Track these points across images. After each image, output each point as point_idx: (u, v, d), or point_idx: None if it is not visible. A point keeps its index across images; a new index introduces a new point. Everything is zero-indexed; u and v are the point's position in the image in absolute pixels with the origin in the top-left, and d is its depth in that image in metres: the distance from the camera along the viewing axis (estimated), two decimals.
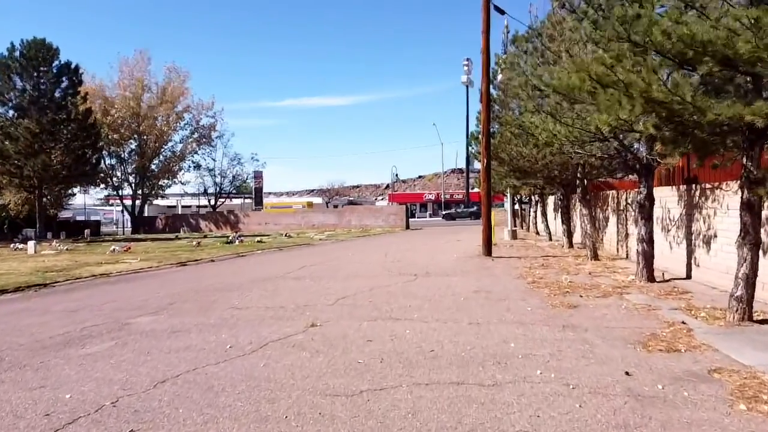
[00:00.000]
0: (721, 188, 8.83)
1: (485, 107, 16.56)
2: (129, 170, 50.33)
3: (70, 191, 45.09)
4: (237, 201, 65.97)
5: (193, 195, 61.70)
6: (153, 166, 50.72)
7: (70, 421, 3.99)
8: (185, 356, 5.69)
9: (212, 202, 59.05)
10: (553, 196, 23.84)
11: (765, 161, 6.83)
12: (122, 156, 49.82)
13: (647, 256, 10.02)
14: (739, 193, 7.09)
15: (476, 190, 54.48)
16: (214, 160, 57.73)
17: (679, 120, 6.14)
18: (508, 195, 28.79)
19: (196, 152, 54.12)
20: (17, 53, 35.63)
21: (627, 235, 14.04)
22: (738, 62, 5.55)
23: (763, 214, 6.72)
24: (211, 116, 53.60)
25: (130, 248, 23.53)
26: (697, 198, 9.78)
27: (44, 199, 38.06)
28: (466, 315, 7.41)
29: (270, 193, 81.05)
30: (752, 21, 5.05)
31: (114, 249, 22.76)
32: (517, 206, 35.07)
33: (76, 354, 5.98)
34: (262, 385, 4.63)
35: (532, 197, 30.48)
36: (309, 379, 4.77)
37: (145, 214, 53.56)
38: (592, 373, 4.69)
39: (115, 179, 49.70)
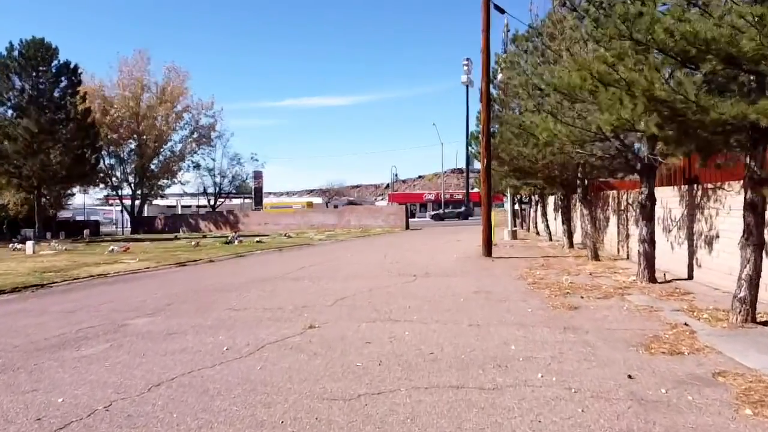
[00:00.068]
0: (724, 188, 8.75)
1: (485, 107, 16.48)
2: (128, 170, 50.23)
3: (69, 191, 45.04)
4: (237, 201, 65.92)
5: (193, 195, 61.61)
6: (152, 166, 50.61)
7: (62, 426, 3.91)
8: (181, 358, 5.61)
9: (212, 202, 58.97)
10: (554, 197, 23.77)
11: None
12: (121, 156, 49.74)
13: (649, 257, 9.94)
14: (742, 193, 7.01)
15: (476, 190, 54.40)
16: (213, 160, 57.73)
17: (681, 119, 6.06)
18: (508, 195, 28.72)
19: (195, 152, 54.08)
20: (16, 53, 35.56)
21: (628, 236, 13.96)
22: (742, 60, 5.48)
23: (767, 214, 6.63)
24: (210, 116, 53.59)
25: (128, 248, 23.45)
26: (698, 198, 9.70)
27: (43, 199, 38.00)
28: (466, 316, 7.33)
29: (270, 193, 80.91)
30: (757, 18, 4.97)
31: (112, 249, 22.68)
32: (517, 206, 35.00)
33: (71, 356, 5.90)
34: (259, 389, 4.54)
35: (532, 197, 30.41)
36: (306, 382, 4.69)
37: (145, 214, 53.50)
38: (594, 377, 4.61)
39: (114, 179, 49.62)
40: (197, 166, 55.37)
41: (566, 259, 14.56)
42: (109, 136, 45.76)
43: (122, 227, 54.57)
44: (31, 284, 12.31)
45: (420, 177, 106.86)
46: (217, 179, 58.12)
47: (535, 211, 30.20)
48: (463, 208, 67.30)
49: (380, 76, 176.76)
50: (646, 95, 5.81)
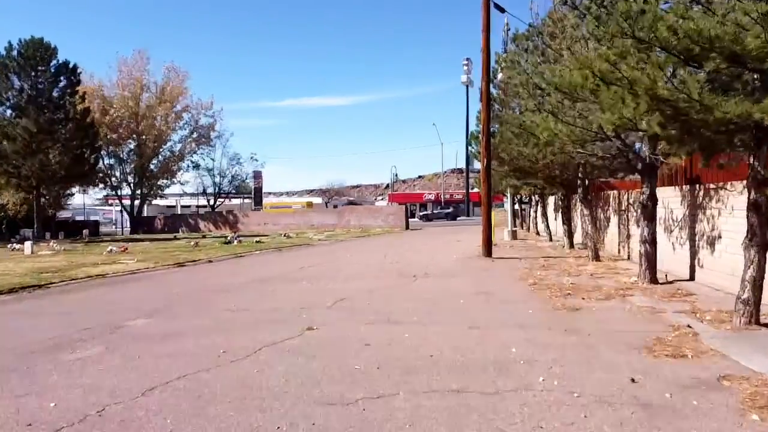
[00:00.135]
0: (726, 188, 8.67)
1: (485, 106, 16.40)
2: (128, 170, 50.09)
3: (68, 191, 44.89)
4: (236, 201, 65.78)
5: (192, 195, 61.47)
6: (152, 166, 50.44)
7: None
8: (177, 361, 5.52)
9: (211, 202, 58.86)
10: (554, 197, 23.68)
11: None
12: (121, 156, 49.58)
13: (650, 258, 9.86)
14: (745, 193, 6.93)
15: (476, 190, 54.32)
16: (213, 160, 57.57)
17: (684, 118, 5.97)
18: (509, 195, 28.63)
19: (195, 152, 53.89)
20: (15, 52, 35.42)
21: (629, 236, 13.88)
22: (746, 58, 5.40)
23: None
24: (210, 116, 53.38)
25: (127, 249, 23.36)
26: (700, 198, 9.62)
27: (42, 199, 37.87)
28: (466, 318, 7.24)
29: (270, 193, 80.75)
30: (761, 15, 4.88)
31: (111, 249, 22.59)
32: (517, 206, 34.91)
33: (65, 359, 5.82)
34: (255, 394, 4.46)
35: (533, 197, 30.31)
36: (303, 386, 4.60)
37: (144, 214, 53.36)
38: (597, 381, 4.52)
39: (113, 179, 49.47)
40: (197, 166, 55.32)
41: (567, 260, 14.47)
42: (108, 136, 45.62)
43: (122, 227, 54.44)
44: (28, 285, 12.21)
45: (420, 177, 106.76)
46: (217, 179, 58.04)
47: (535, 211, 30.12)
48: (450, 209, 67.81)
49: (380, 76, 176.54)
50: (648, 94, 5.73)
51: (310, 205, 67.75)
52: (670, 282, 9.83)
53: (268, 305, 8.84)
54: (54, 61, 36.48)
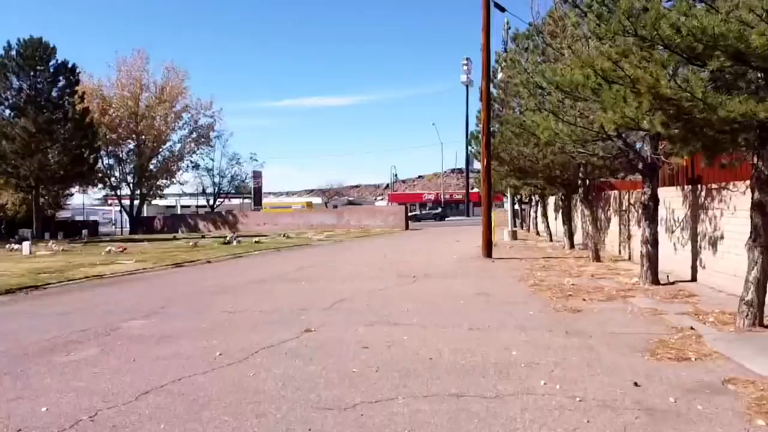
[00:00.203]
0: (728, 189, 8.58)
1: (485, 106, 16.32)
2: (127, 170, 50.03)
3: (68, 191, 44.81)
4: (236, 201, 65.68)
5: (192, 195, 61.41)
6: (151, 166, 50.38)
7: None
8: (172, 364, 5.44)
9: (211, 202, 58.76)
10: (554, 197, 23.60)
11: None
12: (120, 156, 49.53)
13: (651, 258, 9.77)
14: (748, 193, 6.85)
15: (476, 190, 54.29)
16: (212, 159, 57.57)
17: (687, 117, 5.89)
18: (509, 195, 28.56)
19: (194, 152, 53.86)
20: (14, 52, 35.39)
21: (629, 236, 13.80)
22: (751, 57, 5.30)
23: None
24: (209, 116, 53.34)
25: (125, 249, 23.28)
26: (702, 198, 9.54)
27: (41, 200, 37.79)
28: (467, 319, 7.16)
29: (269, 193, 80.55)
30: (767, 12, 4.80)
31: (109, 250, 22.51)
32: (517, 206, 34.83)
33: (59, 361, 5.74)
34: (250, 398, 4.37)
35: (533, 197, 30.22)
36: (300, 390, 4.52)
37: (144, 215, 53.28)
38: (599, 384, 4.44)
39: (113, 179, 49.40)
40: (196, 166, 55.28)
41: (567, 260, 14.39)
42: (107, 136, 45.54)
43: (121, 227, 54.36)
44: (26, 285, 12.13)
45: (420, 177, 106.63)
46: (216, 179, 58.01)
47: (536, 212, 30.03)
48: (438, 209, 67.89)
49: (380, 76, 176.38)
50: (651, 92, 5.64)
51: (309, 205, 67.67)
52: (672, 283, 9.75)
53: (266, 306, 8.75)
54: (53, 61, 36.45)
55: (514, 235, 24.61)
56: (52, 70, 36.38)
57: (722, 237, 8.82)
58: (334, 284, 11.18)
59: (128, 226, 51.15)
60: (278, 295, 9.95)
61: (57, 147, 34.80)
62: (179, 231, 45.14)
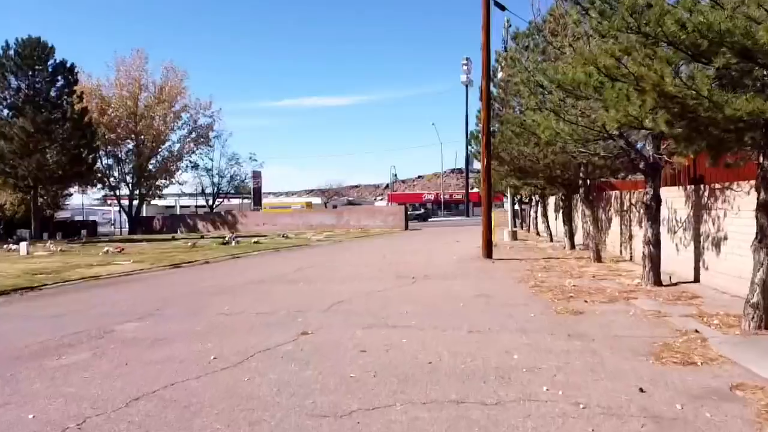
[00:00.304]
0: (732, 189, 8.46)
1: (485, 105, 16.19)
2: (126, 170, 49.86)
3: (66, 191, 44.67)
4: (235, 201, 65.52)
5: (191, 195, 61.20)
6: (150, 166, 50.19)
7: None
8: (166, 368, 5.31)
9: (210, 202, 58.60)
10: (554, 197, 23.47)
11: None
12: (119, 156, 49.34)
13: (654, 259, 9.65)
14: (752, 193, 6.73)
15: (476, 190, 54.16)
16: (211, 160, 57.45)
17: (692, 116, 5.76)
18: (509, 195, 28.42)
19: (193, 152, 53.62)
20: (12, 52, 35.20)
21: (631, 237, 13.67)
22: (757, 54, 5.18)
23: None
24: (209, 116, 53.09)
25: (123, 249, 23.14)
26: (705, 199, 9.41)
27: (40, 200, 37.65)
28: (467, 322, 7.03)
29: (269, 193, 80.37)
30: None
31: (107, 250, 22.37)
32: (517, 206, 34.69)
33: (50, 365, 5.61)
34: (244, 404, 4.24)
35: (533, 197, 30.09)
36: (295, 396, 4.39)
37: (143, 215, 53.11)
38: (603, 390, 4.31)
39: (112, 179, 49.24)
40: (195, 166, 55.02)
41: (568, 261, 14.26)
42: (106, 136, 45.37)
43: (120, 228, 54.21)
44: (21, 287, 12.00)
45: (419, 177, 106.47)
46: (216, 179, 57.82)
47: (536, 212, 29.90)
48: (422, 210, 67.98)
49: (380, 76, 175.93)
50: (656, 90, 5.51)
51: (309, 205, 67.48)
52: (675, 284, 9.62)
53: (263, 308, 8.62)
54: (51, 61, 36.25)
55: (514, 236, 24.48)
56: (50, 70, 36.19)
57: (726, 238, 8.69)
58: (333, 285, 11.05)
59: (127, 226, 50.98)
60: (276, 297, 9.82)
61: (55, 147, 34.63)
62: (178, 231, 44.98)
